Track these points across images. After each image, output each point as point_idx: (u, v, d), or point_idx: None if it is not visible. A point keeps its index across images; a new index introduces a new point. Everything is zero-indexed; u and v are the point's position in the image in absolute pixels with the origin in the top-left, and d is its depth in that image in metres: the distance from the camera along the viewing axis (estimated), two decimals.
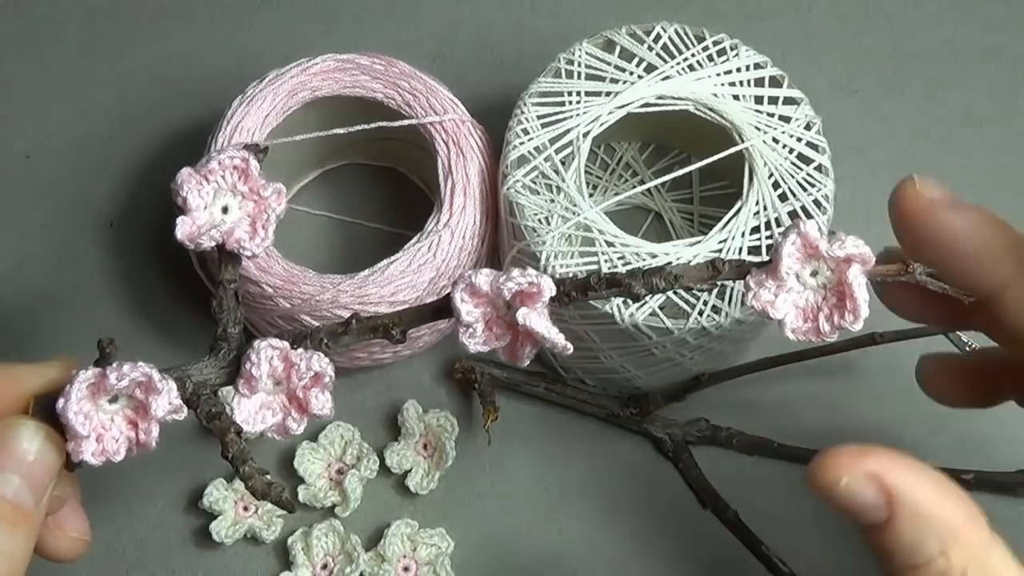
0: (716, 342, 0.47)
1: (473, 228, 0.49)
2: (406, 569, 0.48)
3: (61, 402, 0.29)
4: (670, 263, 0.32)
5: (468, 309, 0.30)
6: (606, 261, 0.45)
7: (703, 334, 0.46)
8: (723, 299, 0.45)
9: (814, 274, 0.30)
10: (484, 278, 0.30)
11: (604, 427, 0.52)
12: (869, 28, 0.62)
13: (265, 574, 0.49)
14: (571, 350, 0.30)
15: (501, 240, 0.51)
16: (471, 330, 0.31)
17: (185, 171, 0.32)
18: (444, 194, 0.49)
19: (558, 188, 0.47)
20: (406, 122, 0.51)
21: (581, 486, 0.51)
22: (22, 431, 0.30)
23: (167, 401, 0.30)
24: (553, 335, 0.30)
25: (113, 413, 0.30)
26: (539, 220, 0.46)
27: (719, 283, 0.31)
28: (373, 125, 0.50)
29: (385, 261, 0.48)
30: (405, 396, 0.51)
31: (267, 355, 0.31)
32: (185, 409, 0.31)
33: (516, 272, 0.30)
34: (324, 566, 0.49)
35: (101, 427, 0.30)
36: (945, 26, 0.62)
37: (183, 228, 0.32)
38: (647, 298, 0.32)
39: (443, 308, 0.31)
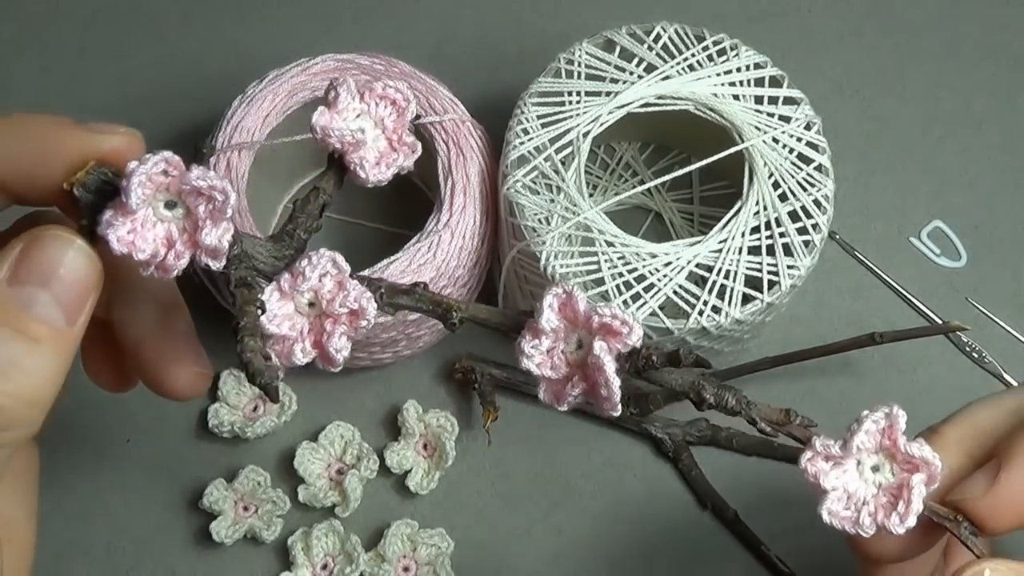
0: (716, 342, 0.47)
1: (473, 228, 0.49)
2: (406, 569, 0.48)
3: (133, 165, 0.27)
4: (745, 396, 0.31)
5: (550, 317, 0.29)
6: (606, 261, 0.45)
7: (703, 334, 0.46)
8: (723, 299, 0.45)
9: (875, 469, 0.30)
10: (582, 294, 0.29)
11: (604, 427, 0.52)
12: (869, 28, 0.62)
13: (265, 574, 0.49)
14: (617, 413, 0.29)
15: (501, 240, 0.51)
16: (538, 341, 0.29)
17: (350, 78, 0.32)
18: (444, 194, 0.49)
19: (558, 188, 0.47)
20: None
21: (581, 486, 0.51)
22: (51, 242, 0.27)
23: (219, 233, 0.28)
24: (614, 383, 0.28)
25: (162, 219, 0.28)
26: (539, 220, 0.46)
27: (783, 432, 0.30)
28: None
29: (385, 261, 0.47)
30: (405, 396, 0.51)
31: (325, 266, 0.30)
32: (225, 259, 0.29)
33: (612, 306, 0.29)
34: (324, 566, 0.49)
35: (141, 224, 0.28)
36: (945, 26, 0.62)
37: (322, 117, 0.31)
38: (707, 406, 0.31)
39: (515, 325, 0.30)
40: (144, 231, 0.28)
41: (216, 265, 0.29)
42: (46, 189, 0.29)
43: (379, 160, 0.32)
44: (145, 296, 0.32)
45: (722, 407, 0.30)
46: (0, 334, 0.27)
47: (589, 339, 0.29)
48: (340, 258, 0.30)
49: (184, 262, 0.29)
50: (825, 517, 0.29)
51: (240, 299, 0.29)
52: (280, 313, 0.30)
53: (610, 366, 0.28)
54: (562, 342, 0.30)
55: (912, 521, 0.29)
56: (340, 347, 0.30)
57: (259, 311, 0.29)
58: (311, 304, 0.30)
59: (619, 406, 0.29)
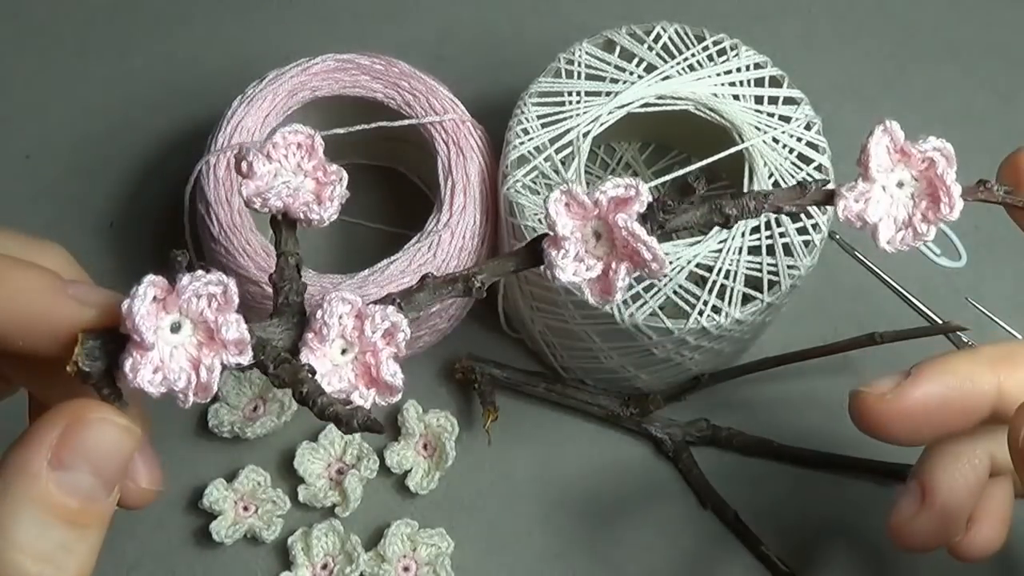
0: (716, 342, 0.47)
1: (473, 228, 0.49)
2: (406, 569, 0.48)
3: (126, 305, 0.27)
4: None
5: (564, 222, 0.29)
6: None
7: (703, 334, 0.46)
8: (723, 299, 0.45)
9: (900, 185, 0.31)
10: (577, 187, 0.29)
11: (604, 427, 0.52)
12: (869, 28, 0.62)
13: (265, 574, 0.49)
14: (668, 268, 0.29)
15: (501, 240, 0.51)
16: (564, 249, 0.29)
17: (248, 146, 0.31)
18: (444, 194, 0.49)
19: None
20: (406, 122, 0.51)
21: (581, 486, 0.51)
22: (95, 427, 0.27)
23: (235, 323, 0.28)
24: (652, 242, 0.28)
25: (175, 345, 0.28)
26: (539, 220, 0.46)
27: (806, 206, 0.31)
28: (373, 125, 0.50)
29: (385, 261, 0.48)
30: (405, 396, 0.51)
31: (338, 308, 0.29)
32: (250, 351, 0.28)
33: (608, 181, 0.29)
34: (324, 566, 0.49)
35: (161, 359, 0.27)
36: (945, 26, 0.62)
37: (248, 188, 0.30)
38: (739, 222, 0.31)
39: (532, 252, 0.30)
40: (169, 363, 0.28)
41: (245, 360, 0.28)
42: (29, 352, 0.28)
43: (319, 200, 0.31)
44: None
45: (748, 213, 0.30)
46: (47, 523, 0.26)
47: (605, 223, 0.29)
48: (347, 293, 0.29)
49: (217, 373, 0.28)
50: (889, 249, 0.30)
51: (288, 376, 0.28)
52: (323, 373, 0.29)
53: (640, 229, 0.28)
54: (582, 243, 0.29)
55: (959, 202, 0.30)
56: (393, 371, 0.29)
57: (311, 374, 0.28)
58: (344, 351, 0.30)
59: (667, 262, 0.28)
